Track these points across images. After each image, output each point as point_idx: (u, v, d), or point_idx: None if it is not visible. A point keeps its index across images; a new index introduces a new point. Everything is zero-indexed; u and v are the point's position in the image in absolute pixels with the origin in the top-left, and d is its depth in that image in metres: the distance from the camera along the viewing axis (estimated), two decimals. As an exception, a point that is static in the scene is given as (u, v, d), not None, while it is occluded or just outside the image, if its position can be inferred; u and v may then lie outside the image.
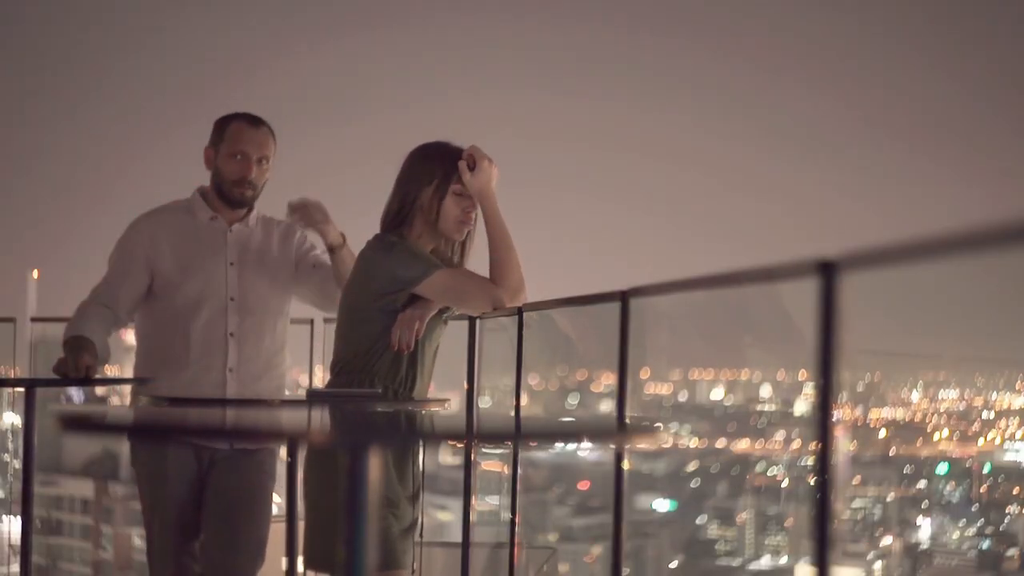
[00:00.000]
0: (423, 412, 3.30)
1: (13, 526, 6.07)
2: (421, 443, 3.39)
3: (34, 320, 6.15)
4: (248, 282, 3.76)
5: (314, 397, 3.21)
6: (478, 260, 3.48)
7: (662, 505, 18.68)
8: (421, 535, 3.40)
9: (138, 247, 3.73)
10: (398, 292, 3.24)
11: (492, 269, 3.34)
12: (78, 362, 3.42)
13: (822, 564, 1.83)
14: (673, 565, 18.85)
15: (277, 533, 3.54)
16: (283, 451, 3.65)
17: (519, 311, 3.59)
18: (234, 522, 3.63)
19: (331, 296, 3.84)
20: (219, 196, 3.74)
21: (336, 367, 3.33)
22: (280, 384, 3.81)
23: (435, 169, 3.31)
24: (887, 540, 18.42)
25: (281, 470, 3.59)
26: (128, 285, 3.72)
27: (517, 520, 3.84)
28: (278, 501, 5.10)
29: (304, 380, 5.74)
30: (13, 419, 6.47)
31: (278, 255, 3.83)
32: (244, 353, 3.72)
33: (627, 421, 2.90)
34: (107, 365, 3.75)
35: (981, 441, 19.39)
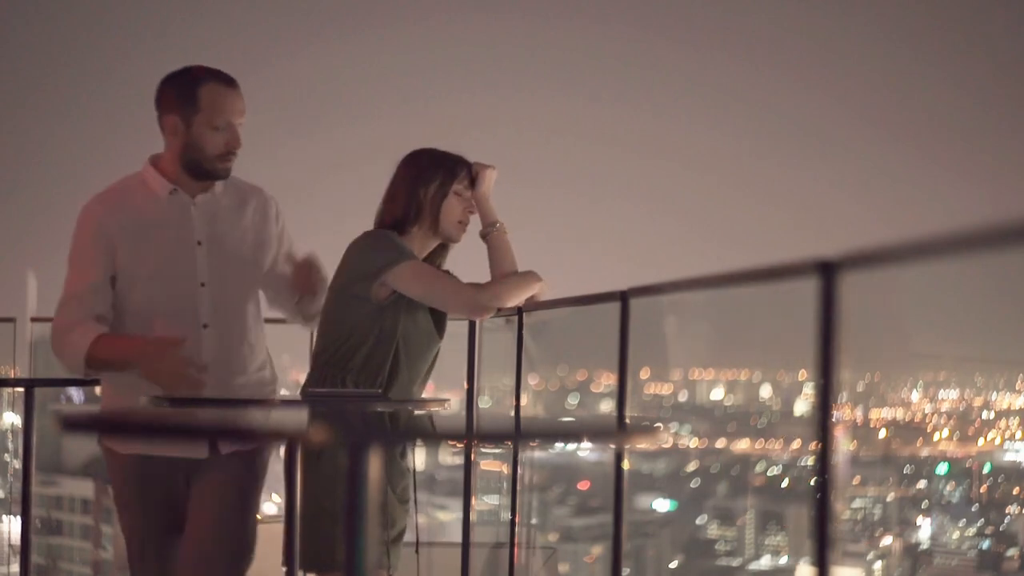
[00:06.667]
0: (415, 413, 3.30)
1: (13, 526, 6.07)
2: (411, 445, 3.40)
3: (34, 320, 6.15)
4: (221, 263, 3.25)
5: (312, 397, 3.20)
6: (475, 269, 3.50)
7: (662, 505, 18.68)
8: (417, 539, 3.39)
9: (89, 243, 3.19)
10: (371, 277, 3.24)
11: (499, 272, 3.39)
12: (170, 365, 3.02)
13: (822, 564, 1.83)
14: (673, 565, 18.85)
15: (276, 533, 3.53)
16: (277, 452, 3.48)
17: (519, 311, 3.59)
18: (213, 523, 3.22)
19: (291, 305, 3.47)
20: (189, 170, 3.21)
21: (314, 359, 3.35)
22: (264, 379, 3.33)
23: (438, 169, 3.35)
24: (887, 540, 18.42)
25: (278, 469, 3.51)
26: (97, 288, 3.18)
27: (517, 520, 3.84)
28: (278, 501, 5.08)
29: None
30: (13, 419, 6.47)
31: (255, 229, 3.33)
32: (222, 346, 3.23)
33: (627, 421, 2.90)
34: None
35: (981, 441, 19.39)
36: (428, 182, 3.34)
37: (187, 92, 3.16)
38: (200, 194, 3.25)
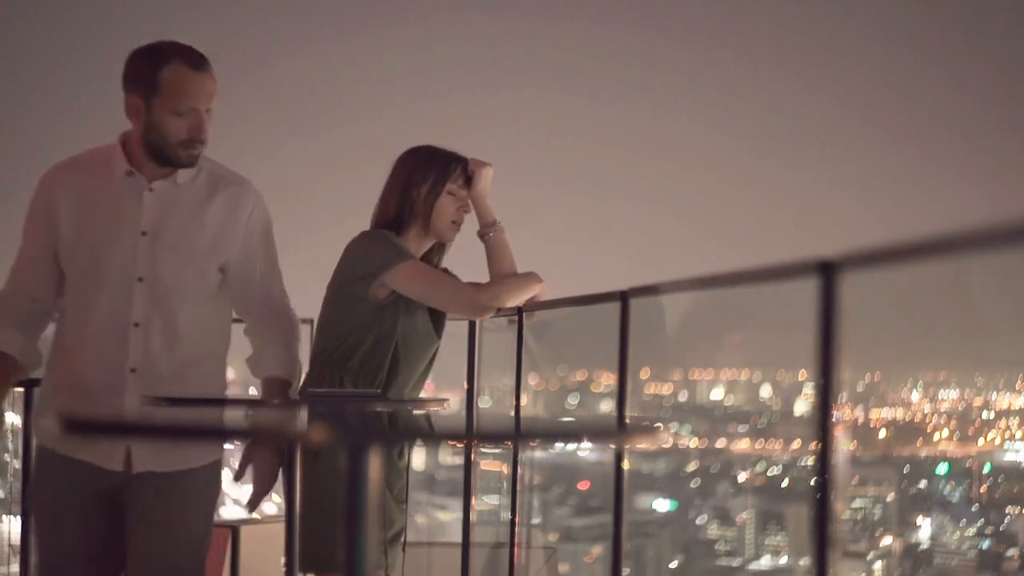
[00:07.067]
0: (413, 413, 3.30)
1: (13, 526, 6.07)
2: (408, 445, 3.40)
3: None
4: (164, 257, 2.95)
5: (313, 397, 3.20)
6: (473, 270, 3.49)
7: (662, 505, 18.68)
8: (404, 538, 3.39)
9: (39, 211, 3.01)
10: (370, 277, 3.24)
11: (498, 271, 3.39)
12: None
13: (822, 564, 1.83)
14: (673, 565, 18.84)
15: (276, 533, 3.54)
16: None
17: (519, 311, 3.59)
18: (149, 556, 2.97)
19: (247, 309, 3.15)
20: (151, 154, 2.94)
21: (312, 359, 3.34)
22: (206, 388, 3.03)
23: (431, 168, 3.34)
24: (887, 540, 18.42)
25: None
26: (39, 263, 3.02)
27: (517, 520, 3.83)
28: (278, 501, 5.08)
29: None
30: (13, 419, 6.47)
31: (216, 224, 3.01)
32: (152, 349, 2.94)
33: (627, 421, 2.90)
34: None
35: (981, 441, 19.40)
36: (421, 182, 3.33)
37: (148, 72, 2.88)
38: (159, 180, 2.97)
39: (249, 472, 3.14)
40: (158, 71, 2.87)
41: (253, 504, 3.16)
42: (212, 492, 3.07)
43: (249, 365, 3.19)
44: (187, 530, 2.99)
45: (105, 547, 2.99)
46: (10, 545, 6.05)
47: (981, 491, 18.67)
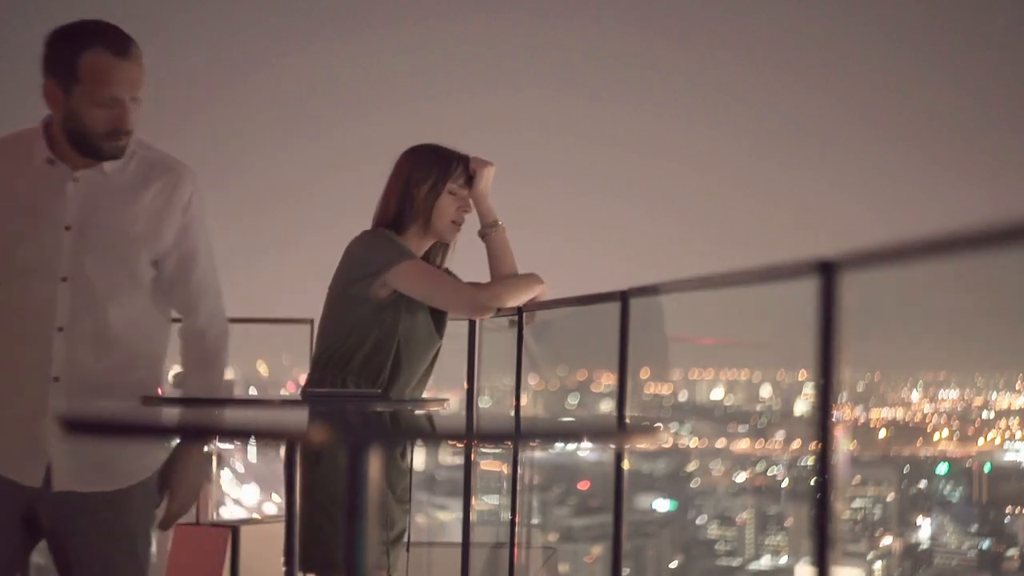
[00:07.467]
0: (414, 412, 3.30)
1: None
2: (410, 446, 3.41)
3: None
4: (91, 254, 2.66)
5: (312, 398, 3.20)
6: (474, 270, 3.49)
7: (662, 505, 18.68)
8: (408, 538, 3.39)
9: None
10: (371, 277, 3.23)
11: (499, 272, 3.39)
12: None
13: (822, 564, 1.83)
14: (673, 565, 18.85)
15: (276, 533, 3.54)
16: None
17: (519, 311, 3.59)
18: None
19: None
20: (73, 144, 2.64)
21: (314, 361, 3.34)
22: (141, 395, 2.72)
23: (432, 167, 3.33)
24: (887, 540, 18.43)
25: (278, 468, 3.44)
26: None
27: (517, 520, 3.84)
28: (278, 501, 5.07)
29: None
30: None
31: (148, 215, 2.73)
32: (78, 356, 2.66)
33: (627, 421, 2.90)
34: None
35: (981, 441, 19.41)
36: (422, 180, 3.32)
37: (67, 57, 2.58)
38: (84, 169, 2.67)
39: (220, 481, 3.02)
40: (77, 57, 2.57)
41: (165, 524, 2.92)
42: (143, 515, 2.82)
43: (174, 382, 3.01)
44: (111, 557, 2.75)
45: (10, 564, 2.72)
46: None
47: (981, 491, 18.69)
